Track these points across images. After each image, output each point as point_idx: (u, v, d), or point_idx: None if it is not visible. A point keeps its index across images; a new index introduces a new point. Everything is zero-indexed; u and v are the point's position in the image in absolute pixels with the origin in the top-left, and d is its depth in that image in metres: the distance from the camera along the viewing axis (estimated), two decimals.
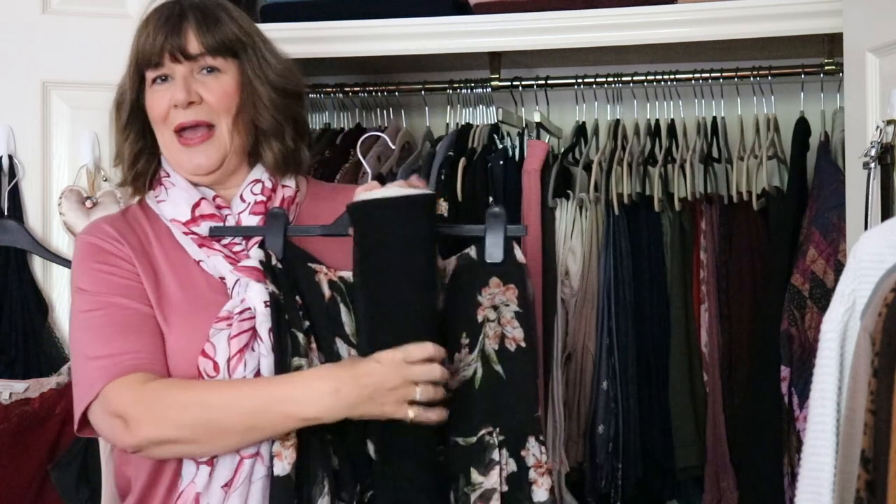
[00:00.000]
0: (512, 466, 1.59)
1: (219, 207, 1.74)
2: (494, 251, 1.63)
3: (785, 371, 2.21)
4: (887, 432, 1.19)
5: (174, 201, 1.73)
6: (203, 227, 1.70)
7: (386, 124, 2.67)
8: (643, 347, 2.39)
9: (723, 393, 2.34)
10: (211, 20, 1.71)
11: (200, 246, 1.70)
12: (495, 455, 1.58)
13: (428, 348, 1.54)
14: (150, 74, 1.72)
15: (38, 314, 2.28)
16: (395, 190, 1.59)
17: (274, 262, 1.63)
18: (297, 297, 1.61)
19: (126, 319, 1.66)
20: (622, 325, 2.38)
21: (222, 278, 1.68)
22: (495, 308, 1.63)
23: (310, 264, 1.64)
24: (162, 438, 1.59)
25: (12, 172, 2.27)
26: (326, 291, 1.63)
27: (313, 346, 1.60)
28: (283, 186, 1.76)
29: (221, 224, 1.71)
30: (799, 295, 2.22)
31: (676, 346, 2.38)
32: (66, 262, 2.26)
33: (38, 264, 2.30)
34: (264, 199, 1.72)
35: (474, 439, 1.59)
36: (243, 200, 1.73)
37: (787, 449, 2.20)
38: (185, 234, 1.71)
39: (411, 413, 1.52)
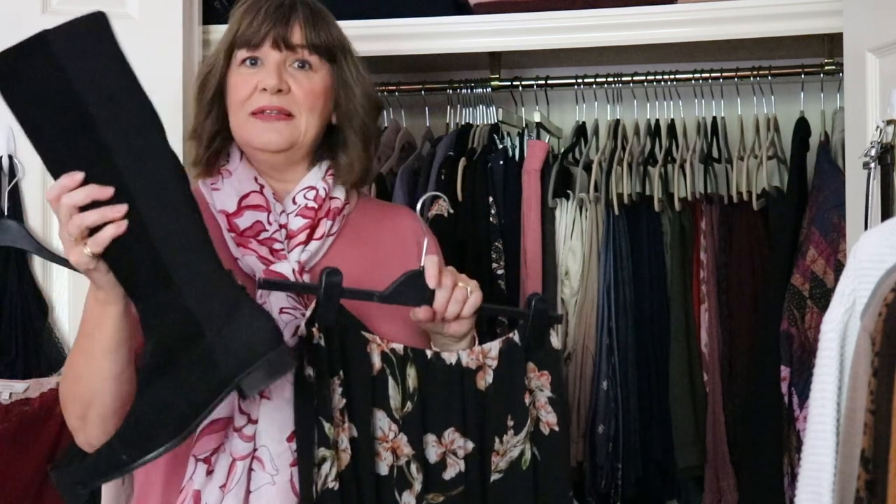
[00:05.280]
0: None
1: (276, 198, 1.74)
2: (533, 337, 1.68)
3: (785, 371, 2.21)
4: (887, 432, 1.19)
5: (226, 191, 1.73)
6: (245, 219, 1.69)
7: (386, 124, 2.66)
8: (643, 347, 2.39)
9: (723, 393, 2.34)
10: (319, 19, 1.73)
11: (238, 245, 1.69)
12: None
13: (61, 181, 1.40)
14: (242, 54, 1.71)
15: (38, 314, 2.28)
16: None
17: (316, 339, 1.54)
18: (340, 373, 1.56)
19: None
20: (622, 325, 2.39)
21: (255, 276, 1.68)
22: (531, 392, 1.68)
23: (363, 333, 1.60)
24: (72, 425, 1.63)
25: (12, 172, 2.27)
26: (377, 363, 1.59)
27: (346, 425, 1.55)
28: (331, 198, 1.75)
29: (266, 214, 1.70)
30: (799, 295, 2.22)
31: (676, 346, 2.38)
32: (66, 263, 2.26)
33: (38, 264, 2.29)
34: (315, 206, 1.72)
35: None
36: (295, 203, 1.73)
37: (787, 449, 2.21)
38: (228, 230, 1.71)
39: (87, 250, 1.42)
